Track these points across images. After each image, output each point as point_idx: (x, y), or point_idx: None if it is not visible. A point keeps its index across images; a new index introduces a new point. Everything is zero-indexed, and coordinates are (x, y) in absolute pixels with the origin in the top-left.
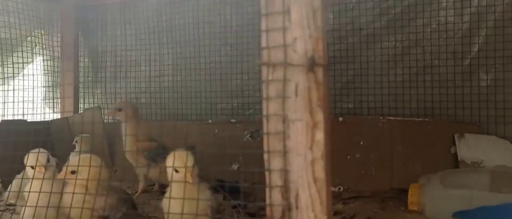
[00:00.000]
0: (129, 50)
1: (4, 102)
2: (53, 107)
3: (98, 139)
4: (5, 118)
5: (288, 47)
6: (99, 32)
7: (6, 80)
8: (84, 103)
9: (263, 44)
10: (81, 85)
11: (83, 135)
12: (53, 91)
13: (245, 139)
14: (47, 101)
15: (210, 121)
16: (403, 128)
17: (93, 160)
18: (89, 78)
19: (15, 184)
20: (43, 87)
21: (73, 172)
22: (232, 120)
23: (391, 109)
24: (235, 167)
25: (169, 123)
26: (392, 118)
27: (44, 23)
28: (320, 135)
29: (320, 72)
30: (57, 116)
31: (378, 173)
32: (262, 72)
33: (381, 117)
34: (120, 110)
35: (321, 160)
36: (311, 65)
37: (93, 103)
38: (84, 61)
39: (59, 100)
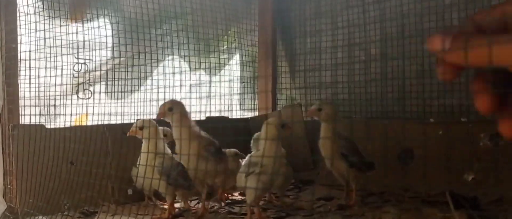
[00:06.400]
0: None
1: (208, 98)
2: (252, 103)
3: (299, 140)
4: (210, 115)
5: None
6: (297, 22)
7: (209, 76)
8: (282, 98)
9: None
10: (278, 79)
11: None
12: (252, 86)
13: (481, 143)
14: (245, 97)
15: (431, 120)
16: None
17: None
18: (286, 69)
19: None
20: (242, 82)
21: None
22: (462, 119)
23: None
24: (469, 177)
25: (376, 123)
26: None
27: (241, 17)
28: None
29: None
30: (256, 112)
31: None
32: None
33: None
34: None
35: None
36: None
37: (292, 98)
38: (281, 56)
39: (256, 95)
